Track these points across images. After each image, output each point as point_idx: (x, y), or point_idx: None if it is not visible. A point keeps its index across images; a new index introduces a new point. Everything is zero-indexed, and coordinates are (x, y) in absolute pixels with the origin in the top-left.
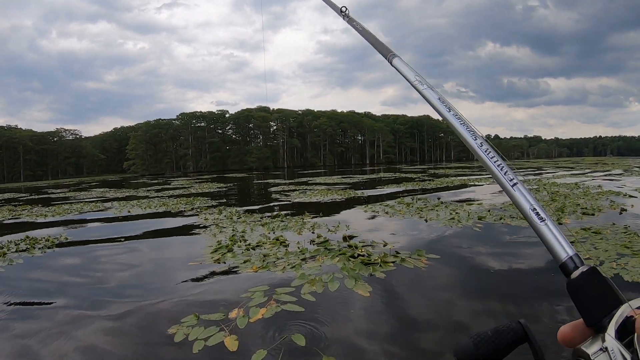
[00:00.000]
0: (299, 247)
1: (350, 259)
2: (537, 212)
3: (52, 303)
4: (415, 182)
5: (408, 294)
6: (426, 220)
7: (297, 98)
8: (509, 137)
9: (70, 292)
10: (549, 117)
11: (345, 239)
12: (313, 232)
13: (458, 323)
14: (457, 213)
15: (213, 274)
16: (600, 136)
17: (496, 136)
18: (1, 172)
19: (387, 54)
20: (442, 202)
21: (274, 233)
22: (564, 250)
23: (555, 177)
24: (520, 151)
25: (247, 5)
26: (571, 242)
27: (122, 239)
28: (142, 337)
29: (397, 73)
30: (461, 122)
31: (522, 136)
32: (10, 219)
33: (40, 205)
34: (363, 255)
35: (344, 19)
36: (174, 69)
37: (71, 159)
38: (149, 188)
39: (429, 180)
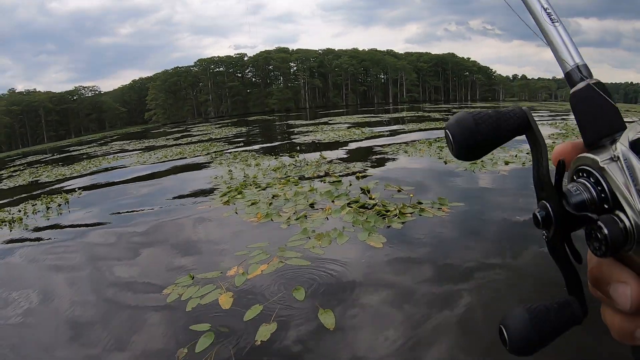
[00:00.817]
0: (309, 187)
1: (361, 210)
2: (549, 12)
3: None
4: (439, 122)
5: (424, 244)
6: (445, 162)
7: (317, 38)
8: (536, 77)
9: None
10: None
11: (357, 178)
12: (327, 172)
13: (471, 270)
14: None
15: (218, 222)
16: (632, 82)
17: (523, 76)
18: (25, 136)
19: None
20: None
21: (286, 174)
22: (571, 57)
23: None
24: (548, 93)
25: None
26: None
27: (137, 185)
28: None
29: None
30: None
31: (551, 77)
32: (31, 182)
33: (60, 164)
34: (378, 206)
35: None
36: (188, 16)
37: (92, 115)
38: (168, 137)
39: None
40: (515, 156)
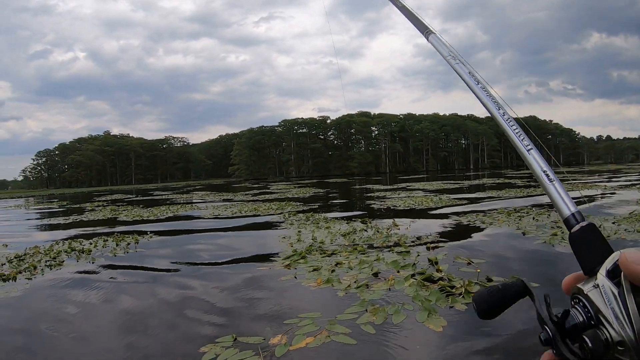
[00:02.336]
0: (376, 256)
1: (425, 283)
2: (547, 174)
3: None
4: (520, 190)
5: (487, 333)
6: (524, 234)
7: (398, 102)
8: (621, 137)
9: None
10: None
11: (428, 248)
12: (396, 244)
13: None
14: (559, 227)
15: (275, 285)
16: None
17: (608, 137)
18: (115, 175)
19: (424, 30)
20: (547, 212)
21: (354, 241)
22: (567, 207)
23: None
24: (635, 153)
25: (341, 14)
26: None
27: (200, 240)
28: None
29: (499, 72)
30: (487, 94)
31: (637, 136)
32: (108, 219)
33: (141, 206)
34: (443, 280)
35: None
36: (275, 78)
37: (179, 164)
38: (247, 192)
39: (535, 186)
40: (600, 226)
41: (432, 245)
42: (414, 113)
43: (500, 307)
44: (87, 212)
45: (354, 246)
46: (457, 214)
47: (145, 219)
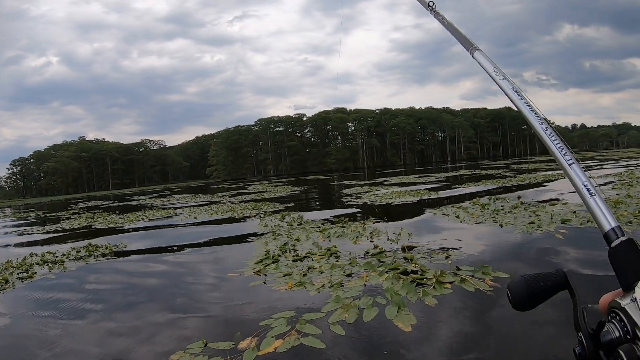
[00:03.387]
0: (349, 258)
1: (400, 276)
2: (588, 188)
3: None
4: (496, 180)
5: (460, 330)
6: (501, 225)
7: (374, 98)
8: (595, 125)
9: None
10: (638, 102)
11: (404, 249)
12: (371, 241)
13: None
14: (537, 216)
15: (245, 290)
16: None
17: (582, 125)
18: (92, 181)
19: (469, 47)
20: (522, 202)
21: (329, 241)
22: (607, 222)
23: None
24: (609, 140)
25: (315, 10)
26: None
27: (175, 248)
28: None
29: (476, 65)
30: (530, 109)
31: (610, 124)
32: (83, 227)
33: (117, 212)
34: (416, 272)
35: (430, 12)
36: (251, 77)
37: (156, 167)
38: (224, 193)
39: (511, 176)
40: (574, 212)
41: (407, 246)
42: (390, 107)
43: (538, 299)
44: (62, 221)
45: (328, 247)
46: (432, 207)
47: (120, 225)
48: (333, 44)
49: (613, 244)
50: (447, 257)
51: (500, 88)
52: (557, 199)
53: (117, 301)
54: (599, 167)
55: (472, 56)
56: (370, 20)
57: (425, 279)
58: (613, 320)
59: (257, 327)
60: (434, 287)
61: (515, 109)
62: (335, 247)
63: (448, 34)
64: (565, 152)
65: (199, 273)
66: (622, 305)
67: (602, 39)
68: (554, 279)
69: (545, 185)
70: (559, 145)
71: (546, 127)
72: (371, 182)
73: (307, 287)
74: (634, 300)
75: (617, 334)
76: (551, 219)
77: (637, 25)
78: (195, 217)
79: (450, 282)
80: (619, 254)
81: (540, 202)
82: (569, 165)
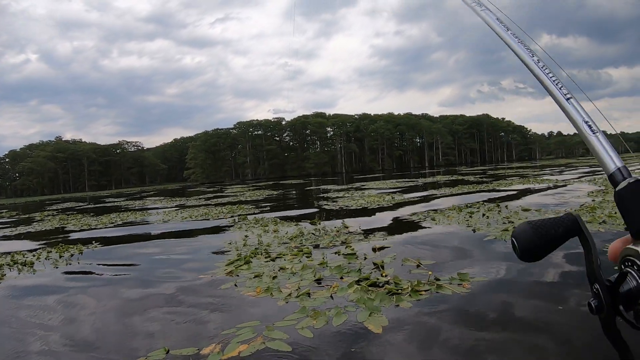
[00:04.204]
0: (321, 260)
1: (369, 289)
2: (590, 125)
3: None
4: (472, 186)
5: (435, 330)
6: (474, 231)
7: (354, 103)
8: (572, 133)
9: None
10: (613, 110)
11: (374, 250)
12: (343, 244)
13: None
14: (510, 222)
15: (214, 294)
16: None
17: (559, 133)
18: (68, 182)
19: None
20: (497, 206)
21: (301, 244)
22: (612, 162)
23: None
24: (584, 147)
25: (297, 15)
26: None
27: (145, 249)
28: None
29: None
30: (519, 41)
31: None
32: (55, 228)
33: (91, 214)
34: (389, 284)
35: None
36: (231, 80)
37: (134, 169)
38: (201, 196)
39: (487, 182)
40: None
41: (379, 247)
42: (369, 113)
43: (548, 247)
44: (35, 223)
45: (300, 248)
46: (408, 212)
47: (93, 227)
48: (314, 49)
49: (619, 187)
50: (417, 266)
51: (484, 20)
52: (530, 204)
53: (79, 305)
54: (574, 172)
55: None
56: (352, 26)
57: (400, 290)
58: (629, 269)
59: (223, 334)
60: (409, 295)
61: (503, 41)
62: (308, 248)
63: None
64: (562, 86)
65: (166, 276)
66: None
67: (580, 49)
68: (564, 223)
69: (519, 190)
70: (553, 79)
71: (537, 60)
72: (348, 186)
73: (274, 295)
74: None
75: (635, 283)
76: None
77: (613, 36)
78: (169, 220)
79: (426, 290)
80: (627, 197)
81: (514, 206)
82: (567, 99)
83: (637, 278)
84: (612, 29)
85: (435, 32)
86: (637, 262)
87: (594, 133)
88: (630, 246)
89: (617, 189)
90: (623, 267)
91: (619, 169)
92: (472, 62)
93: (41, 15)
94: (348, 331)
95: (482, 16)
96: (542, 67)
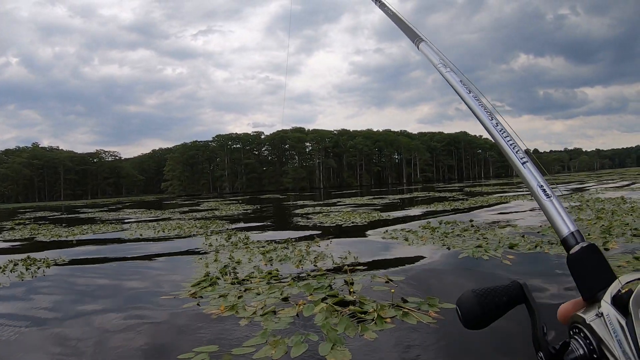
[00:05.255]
0: (289, 282)
1: (337, 308)
2: (544, 189)
3: None
4: (448, 202)
5: None
6: (449, 249)
7: (333, 119)
8: (548, 150)
9: None
10: (588, 128)
11: (345, 271)
12: (315, 265)
13: None
14: (485, 239)
15: (174, 316)
16: None
17: (535, 150)
18: (43, 190)
19: (414, 38)
20: (472, 225)
21: (271, 265)
22: (566, 225)
23: (599, 192)
24: (561, 165)
25: (279, 30)
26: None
27: (114, 264)
28: None
29: (431, 85)
30: (479, 103)
31: (562, 149)
32: (25, 238)
33: (63, 224)
34: (355, 303)
35: (376, 3)
36: (211, 92)
37: (110, 179)
38: (175, 209)
39: (463, 199)
40: (523, 237)
41: (350, 267)
42: (348, 129)
43: (492, 315)
44: (5, 232)
45: (269, 270)
46: (382, 231)
47: (63, 238)
48: (295, 64)
49: (572, 251)
50: (387, 281)
51: (447, 81)
52: (506, 221)
53: (34, 323)
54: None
55: (418, 48)
56: (333, 42)
57: (366, 313)
58: (576, 337)
59: None
60: (374, 322)
61: (464, 103)
62: (277, 270)
63: (395, 27)
64: (518, 150)
65: (129, 295)
66: (588, 322)
67: (556, 68)
68: (510, 292)
69: (495, 207)
70: (510, 142)
71: (496, 123)
72: (325, 202)
73: (238, 313)
74: (600, 315)
75: (582, 352)
76: (499, 242)
77: (589, 57)
78: (141, 234)
79: (392, 317)
80: (579, 262)
81: (489, 223)
82: (522, 164)
83: (584, 347)
84: (588, 50)
85: (414, 51)
86: (584, 330)
87: (547, 197)
88: (579, 313)
89: (570, 253)
90: (571, 332)
91: (572, 233)
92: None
93: (24, 18)
94: None
95: (447, 77)
96: (500, 131)
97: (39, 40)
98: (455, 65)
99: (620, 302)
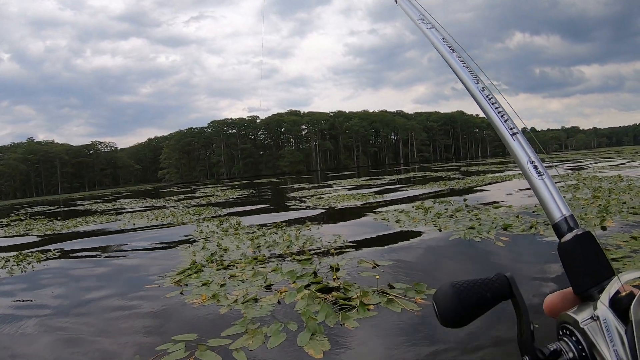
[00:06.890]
0: (275, 266)
1: (319, 295)
2: (536, 166)
3: None
4: (444, 182)
5: (379, 356)
6: (440, 230)
7: (329, 101)
8: (545, 129)
9: None
10: (585, 107)
11: (332, 254)
12: (303, 249)
13: None
14: (478, 219)
15: (156, 305)
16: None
17: (532, 129)
18: (40, 185)
19: None
20: (466, 206)
21: (259, 251)
22: (558, 209)
23: (595, 171)
24: (558, 143)
25: (272, 14)
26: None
27: (102, 255)
28: None
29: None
30: (464, 65)
31: (559, 127)
32: (21, 234)
33: (59, 218)
34: (338, 290)
35: None
36: (205, 79)
37: (107, 170)
38: (170, 197)
39: (459, 178)
40: (517, 217)
41: (337, 250)
42: (344, 111)
43: (473, 313)
44: (0, 228)
45: (255, 255)
46: (375, 212)
47: (57, 232)
48: (289, 47)
49: (565, 239)
50: (373, 266)
51: (428, 39)
52: (500, 202)
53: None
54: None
55: (396, 2)
56: (326, 24)
57: (349, 299)
58: (566, 339)
59: (157, 350)
60: (357, 310)
61: (446, 62)
62: (264, 255)
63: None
64: (507, 119)
65: (114, 285)
66: (581, 325)
67: (552, 47)
68: (494, 286)
69: (490, 187)
70: (499, 110)
71: (482, 87)
72: (321, 184)
73: (220, 302)
74: (596, 319)
75: (572, 355)
76: (492, 223)
77: (585, 35)
78: (134, 224)
79: (376, 304)
80: (572, 251)
81: (483, 204)
82: (512, 135)
83: (574, 351)
84: (584, 28)
85: (409, 30)
86: (576, 333)
87: (539, 175)
88: (570, 313)
89: (561, 241)
90: (561, 332)
91: (565, 218)
92: (445, 61)
93: (13, 13)
94: (283, 358)
95: (427, 34)
96: (487, 97)
97: (29, 34)
98: (435, 21)
99: (620, 306)
